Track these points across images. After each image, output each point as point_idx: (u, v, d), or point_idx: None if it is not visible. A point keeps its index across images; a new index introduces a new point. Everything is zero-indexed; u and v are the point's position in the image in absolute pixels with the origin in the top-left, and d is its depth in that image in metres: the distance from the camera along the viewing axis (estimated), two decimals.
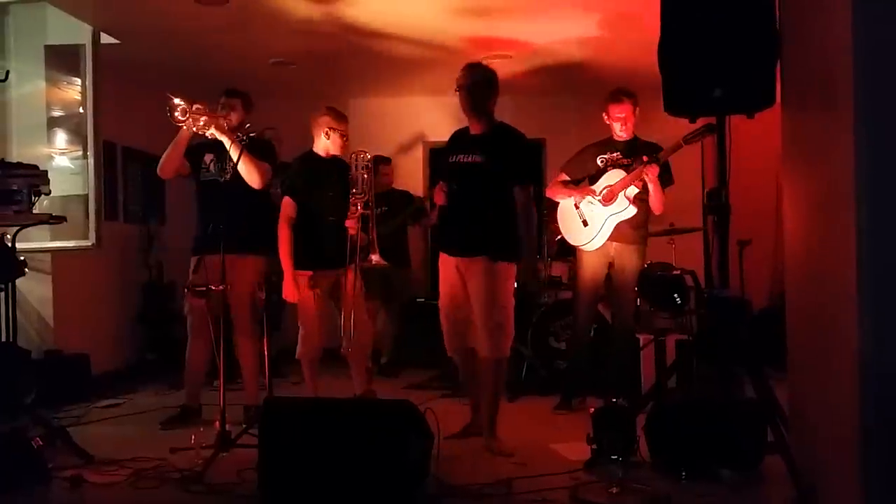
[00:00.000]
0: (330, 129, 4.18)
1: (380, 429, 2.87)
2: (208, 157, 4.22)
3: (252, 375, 4.34)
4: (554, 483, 3.05)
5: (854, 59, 2.15)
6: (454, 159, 3.76)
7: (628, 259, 4.29)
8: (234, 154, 3.92)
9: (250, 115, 4.29)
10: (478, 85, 3.68)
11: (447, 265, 3.78)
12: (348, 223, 4.07)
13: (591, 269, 4.37)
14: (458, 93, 3.71)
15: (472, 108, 3.70)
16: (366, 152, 4.11)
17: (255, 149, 3.99)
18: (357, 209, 4.05)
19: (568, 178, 4.42)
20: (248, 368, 4.32)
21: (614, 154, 4.28)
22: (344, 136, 4.23)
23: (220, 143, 3.99)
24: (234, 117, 4.14)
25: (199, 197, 4.31)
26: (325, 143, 4.21)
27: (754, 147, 4.86)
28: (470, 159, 3.70)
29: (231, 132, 3.96)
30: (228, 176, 4.02)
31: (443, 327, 3.83)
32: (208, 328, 3.86)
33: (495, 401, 3.75)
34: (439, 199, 3.78)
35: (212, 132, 3.91)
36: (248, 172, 3.98)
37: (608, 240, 4.25)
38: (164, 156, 4.14)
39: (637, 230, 4.26)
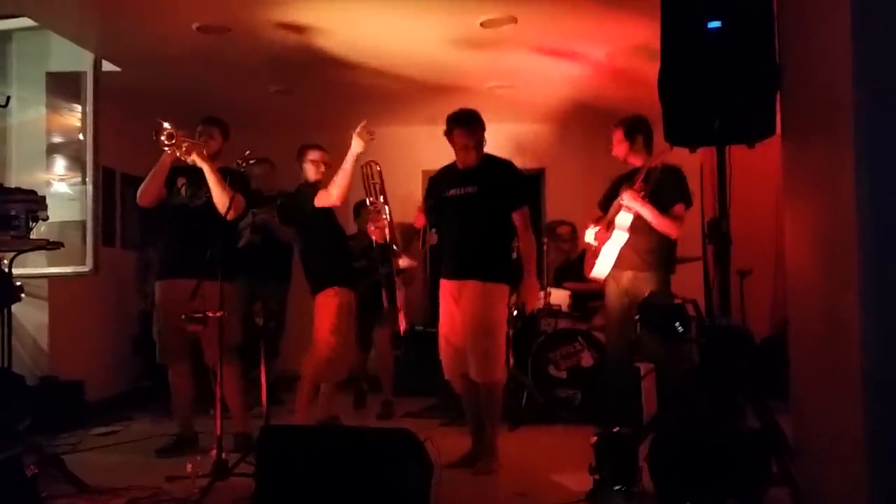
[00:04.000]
0: (311, 160, 4.45)
1: (378, 458, 2.83)
2: (180, 181, 4.25)
3: (237, 401, 4.29)
4: None
5: (854, 89, 2.17)
6: (449, 193, 3.89)
7: (639, 286, 4.25)
8: (210, 182, 4.01)
9: (228, 143, 4.35)
10: (480, 140, 3.83)
11: (445, 291, 3.89)
12: (371, 230, 4.38)
13: (611, 296, 4.35)
14: (456, 147, 3.84)
15: (469, 151, 3.82)
16: (375, 162, 4.30)
17: (230, 179, 4.05)
18: (381, 218, 4.33)
19: (601, 214, 4.40)
20: (231, 394, 4.25)
21: (634, 183, 4.24)
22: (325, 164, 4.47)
23: (192, 167, 4.08)
24: (213, 145, 4.19)
25: (166, 220, 4.33)
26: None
27: (753, 177, 4.88)
28: (464, 191, 3.84)
29: (210, 160, 4.05)
30: (201, 202, 4.11)
31: (441, 353, 3.89)
32: (189, 353, 4.00)
33: (489, 425, 3.79)
34: (420, 221, 3.97)
35: (192, 159, 3.98)
36: (223, 203, 3.99)
37: (621, 269, 4.22)
38: (144, 184, 4.18)
39: (645, 256, 4.19)
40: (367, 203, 4.62)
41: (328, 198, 4.22)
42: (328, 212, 4.34)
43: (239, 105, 6.05)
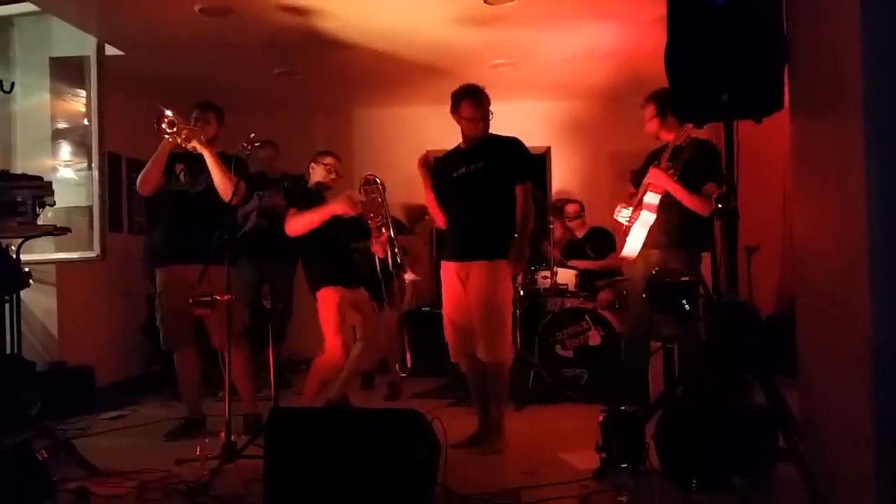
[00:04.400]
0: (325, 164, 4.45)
1: (387, 438, 2.84)
2: (178, 167, 4.24)
3: (246, 383, 4.31)
4: (563, 492, 3.02)
5: (863, 63, 2.14)
6: (457, 174, 3.86)
7: (668, 264, 4.19)
8: (212, 168, 4.01)
9: (230, 126, 4.36)
10: (486, 115, 3.82)
11: (448, 272, 3.88)
12: (375, 248, 4.44)
13: (638, 275, 4.30)
14: (464, 121, 3.83)
15: (481, 133, 3.83)
16: (376, 177, 4.33)
17: (228, 164, 4.04)
18: (382, 233, 4.42)
19: (634, 190, 4.35)
20: (240, 376, 4.27)
21: (661, 162, 4.16)
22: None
23: (189, 153, 4.08)
24: (210, 130, 4.19)
25: (162, 205, 4.32)
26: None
27: (760, 152, 4.83)
28: (471, 168, 3.82)
29: (209, 145, 4.05)
30: (201, 188, 4.11)
31: (447, 335, 3.89)
32: (194, 336, 4.03)
33: (496, 405, 3.80)
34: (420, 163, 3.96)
35: (193, 145, 3.98)
36: (224, 188, 4.00)
37: (649, 247, 4.18)
38: (143, 172, 4.18)
39: (674, 234, 4.12)
40: (367, 220, 4.59)
41: (293, 227, 4.23)
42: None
43: (242, 87, 6.03)
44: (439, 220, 4.02)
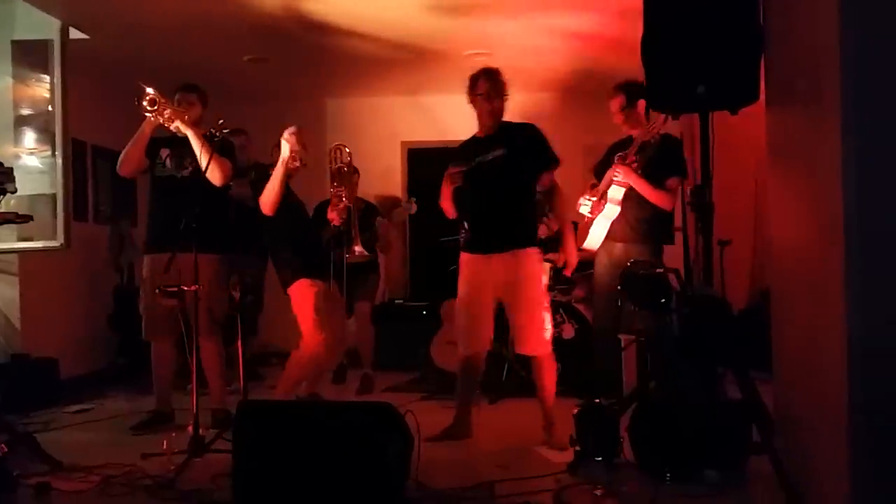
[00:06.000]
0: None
1: (358, 431, 2.79)
2: (164, 153, 4.14)
3: (217, 378, 4.23)
4: (537, 486, 3.00)
5: (840, 55, 2.12)
6: (475, 162, 3.76)
7: (631, 258, 4.20)
8: (197, 149, 3.88)
9: (206, 110, 4.22)
10: (501, 93, 3.77)
11: (473, 263, 3.79)
12: (331, 215, 4.15)
13: (601, 267, 4.33)
14: (479, 99, 3.75)
15: (496, 115, 3.77)
16: (344, 146, 4.24)
17: (215, 146, 3.90)
18: (342, 201, 4.27)
19: (595, 181, 4.33)
20: (211, 370, 4.19)
21: (626, 152, 4.14)
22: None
23: (177, 137, 3.97)
24: (194, 112, 4.08)
25: (153, 192, 4.23)
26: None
27: (731, 144, 4.85)
28: (492, 156, 3.74)
29: (194, 126, 3.93)
30: (188, 172, 3.99)
31: (460, 326, 3.82)
32: (173, 329, 3.82)
33: (551, 398, 3.78)
34: (455, 180, 3.74)
35: (176, 125, 3.87)
36: (212, 169, 3.88)
37: (613, 241, 4.20)
38: (124, 152, 4.08)
39: (637, 227, 4.15)
40: (330, 188, 4.51)
41: (265, 204, 4.09)
42: (292, 204, 4.23)
43: (212, 74, 5.88)
44: (451, 213, 3.90)
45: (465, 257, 3.85)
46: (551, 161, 3.79)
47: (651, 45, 3.00)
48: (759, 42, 2.90)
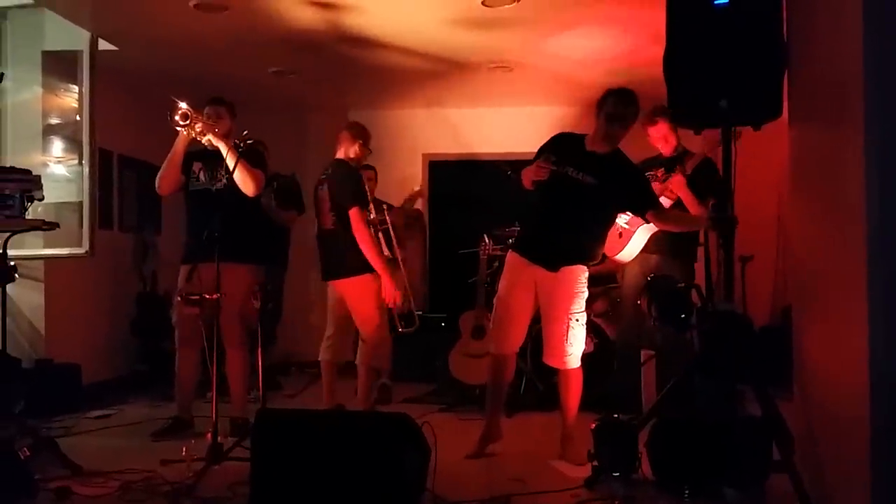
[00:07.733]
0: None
1: (376, 442, 2.80)
2: (196, 166, 4.18)
3: (240, 387, 4.25)
4: (554, 500, 3.00)
5: (864, 71, 2.11)
6: (564, 170, 3.58)
7: (667, 271, 4.19)
8: (230, 162, 3.89)
9: (235, 122, 4.26)
10: (627, 123, 3.60)
11: (520, 266, 3.71)
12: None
13: (633, 278, 4.34)
14: (603, 116, 3.60)
15: (617, 139, 3.63)
16: (370, 166, 4.32)
17: (246, 156, 3.95)
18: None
19: None
20: (236, 380, 4.23)
21: (658, 170, 4.20)
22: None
23: (208, 151, 3.98)
24: (224, 125, 4.11)
25: (188, 206, 4.26)
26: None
27: (754, 160, 4.83)
28: (582, 177, 3.58)
29: (225, 139, 3.93)
30: (221, 184, 4.02)
31: (497, 323, 3.77)
32: (199, 338, 3.81)
33: (574, 413, 3.74)
34: (540, 174, 3.54)
35: (208, 139, 3.88)
36: (244, 180, 3.93)
37: (650, 253, 4.20)
38: (160, 173, 4.13)
39: (677, 242, 4.16)
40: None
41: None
42: None
43: (236, 85, 5.96)
44: (529, 186, 3.67)
45: (512, 257, 3.77)
46: (648, 203, 3.65)
47: (674, 59, 3.01)
48: (782, 57, 2.89)
